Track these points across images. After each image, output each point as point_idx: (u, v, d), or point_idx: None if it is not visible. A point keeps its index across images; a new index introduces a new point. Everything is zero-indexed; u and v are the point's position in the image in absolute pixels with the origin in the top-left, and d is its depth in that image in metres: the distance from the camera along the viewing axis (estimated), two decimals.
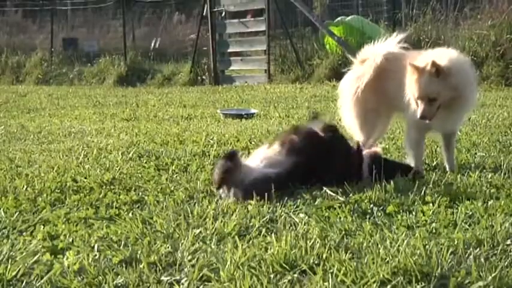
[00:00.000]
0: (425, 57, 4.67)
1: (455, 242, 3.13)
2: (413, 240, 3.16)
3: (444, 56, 4.62)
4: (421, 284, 2.73)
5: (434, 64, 4.46)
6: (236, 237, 3.34)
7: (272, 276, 2.87)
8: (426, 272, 2.81)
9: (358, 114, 5.08)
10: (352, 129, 5.20)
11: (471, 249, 3.05)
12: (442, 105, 4.55)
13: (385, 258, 2.95)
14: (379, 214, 3.71)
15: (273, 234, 3.37)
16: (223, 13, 17.27)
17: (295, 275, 2.87)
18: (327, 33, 14.88)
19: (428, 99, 4.53)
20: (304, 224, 3.54)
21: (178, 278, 2.91)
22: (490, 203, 3.80)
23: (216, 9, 17.23)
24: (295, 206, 3.90)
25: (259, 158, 4.40)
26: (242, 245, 3.20)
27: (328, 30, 14.77)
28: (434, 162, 5.09)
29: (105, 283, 2.87)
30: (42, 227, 3.67)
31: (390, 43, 5.03)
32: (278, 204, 3.94)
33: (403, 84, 4.69)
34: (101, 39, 23.11)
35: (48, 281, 2.91)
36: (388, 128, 5.67)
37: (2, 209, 4.07)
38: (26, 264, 3.05)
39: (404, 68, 4.70)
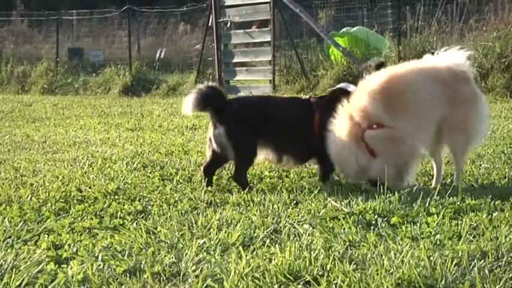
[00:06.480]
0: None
1: (460, 253, 3.13)
2: (417, 251, 3.16)
3: None
4: None
5: None
6: (240, 247, 3.34)
7: (276, 287, 2.87)
8: (430, 284, 2.80)
9: None
10: None
11: (475, 261, 3.04)
12: None
13: (390, 270, 2.95)
14: (384, 225, 3.70)
15: (277, 245, 3.37)
16: (229, 24, 17.29)
17: (299, 286, 2.87)
18: (332, 44, 14.89)
19: None
20: (309, 235, 3.53)
21: None
22: (494, 214, 3.80)
23: (221, 20, 17.25)
24: (299, 217, 3.90)
25: None
26: (246, 255, 3.20)
27: (334, 41, 14.78)
28: None
29: None
30: (46, 236, 3.68)
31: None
32: (282, 214, 3.94)
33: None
34: (106, 49, 23.12)
35: None
36: None
37: (6, 218, 4.07)
38: (30, 274, 3.06)
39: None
